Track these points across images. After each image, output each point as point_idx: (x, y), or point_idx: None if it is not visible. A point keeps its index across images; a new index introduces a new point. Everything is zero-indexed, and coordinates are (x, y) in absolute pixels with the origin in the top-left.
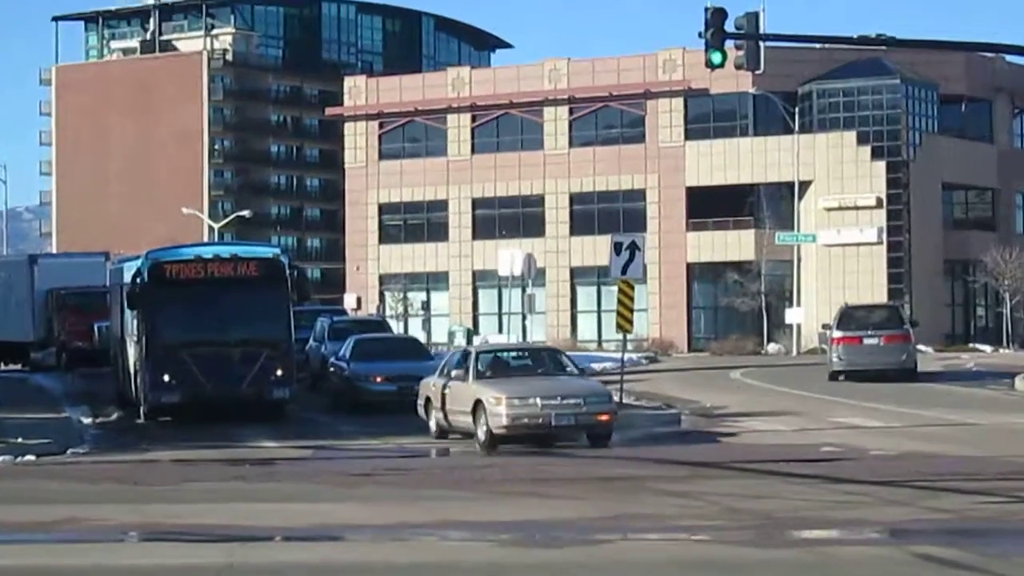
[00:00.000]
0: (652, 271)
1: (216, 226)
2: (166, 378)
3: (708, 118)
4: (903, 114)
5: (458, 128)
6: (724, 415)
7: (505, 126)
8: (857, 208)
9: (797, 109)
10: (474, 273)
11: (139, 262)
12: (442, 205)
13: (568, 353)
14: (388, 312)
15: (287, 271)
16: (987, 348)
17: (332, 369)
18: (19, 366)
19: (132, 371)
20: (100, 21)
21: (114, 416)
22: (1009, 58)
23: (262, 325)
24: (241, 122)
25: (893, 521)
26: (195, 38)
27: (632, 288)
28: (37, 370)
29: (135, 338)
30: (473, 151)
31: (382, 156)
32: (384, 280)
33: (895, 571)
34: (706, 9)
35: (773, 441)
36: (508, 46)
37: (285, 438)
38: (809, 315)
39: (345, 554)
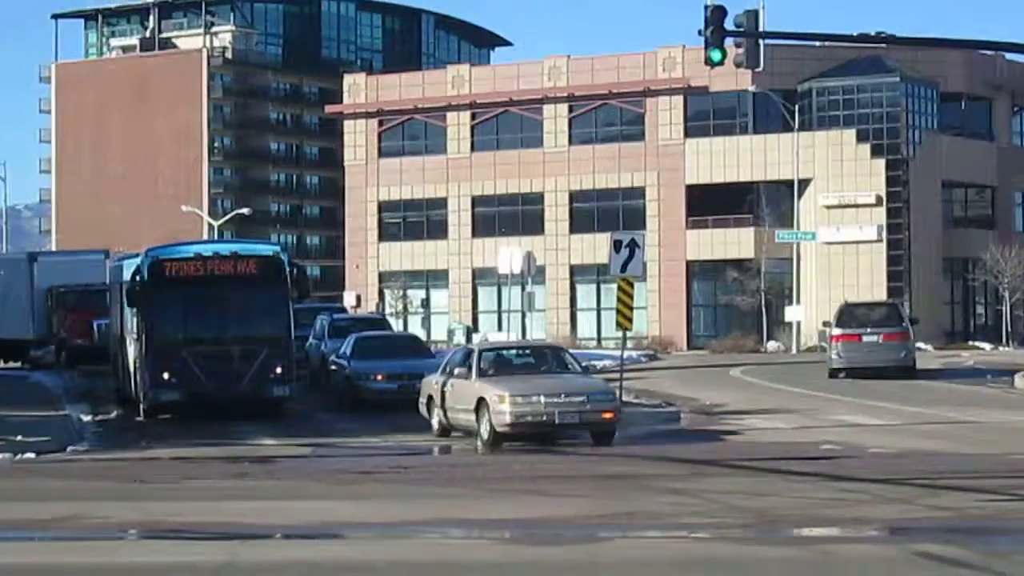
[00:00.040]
0: (652, 269)
1: (216, 224)
2: (166, 376)
3: (708, 116)
4: (903, 112)
5: (458, 126)
6: (724, 413)
7: (505, 124)
8: (857, 206)
9: (797, 107)
10: (473, 271)
11: (139, 260)
12: (442, 203)
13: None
14: (387, 310)
15: (287, 269)
16: (987, 346)
17: (333, 367)
18: (19, 364)
19: (132, 369)
20: (100, 19)
21: (114, 414)
22: (1009, 56)
23: (262, 323)
24: (241, 120)
25: (893, 519)
26: (195, 36)
27: (632, 286)
28: (37, 368)
29: (135, 336)
30: (473, 149)
31: (382, 154)
32: (384, 278)
33: (895, 569)
34: (706, 7)
35: (773, 439)
36: (508, 44)
37: (285, 436)
38: (809, 313)
39: (345, 552)
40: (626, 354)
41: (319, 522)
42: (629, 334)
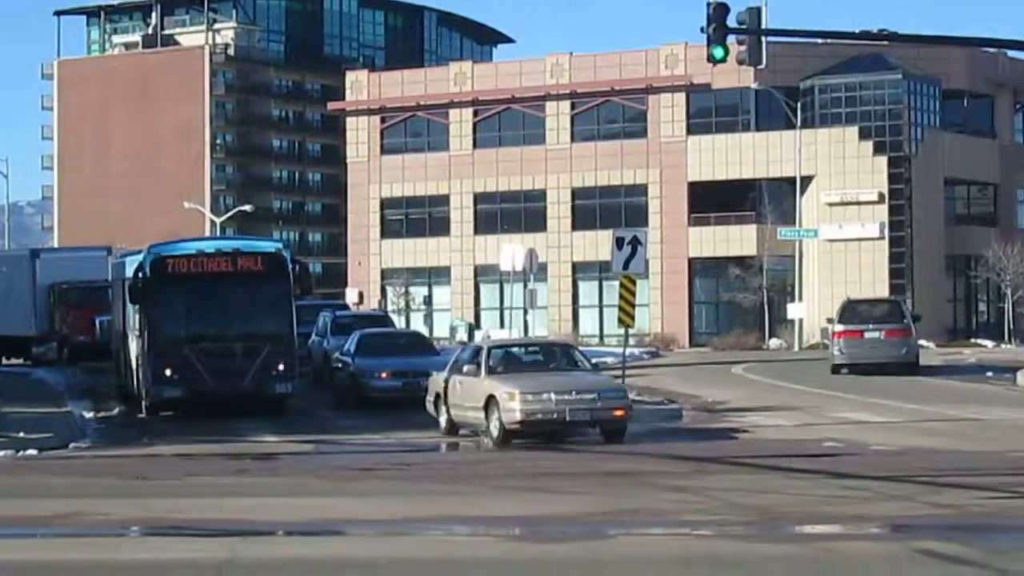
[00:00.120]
0: (654, 266)
1: (218, 220)
2: (168, 372)
3: (710, 113)
4: (905, 109)
5: (460, 123)
6: (726, 410)
7: (507, 121)
8: (859, 203)
9: (799, 104)
10: (476, 268)
11: (141, 256)
12: (444, 200)
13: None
14: (390, 307)
15: (289, 265)
16: (989, 343)
17: (337, 365)
18: (21, 360)
19: (134, 365)
20: (102, 15)
21: (116, 411)
22: (1011, 54)
23: (264, 320)
24: (243, 117)
25: (894, 516)
26: (197, 32)
27: (634, 283)
28: (39, 364)
29: (137, 332)
30: (475, 146)
31: (384, 151)
32: (386, 275)
33: (896, 566)
34: (708, 4)
35: (775, 436)
36: (510, 41)
37: (287, 433)
38: (811, 310)
39: (347, 549)
40: (628, 351)
41: (321, 519)
42: (631, 331)
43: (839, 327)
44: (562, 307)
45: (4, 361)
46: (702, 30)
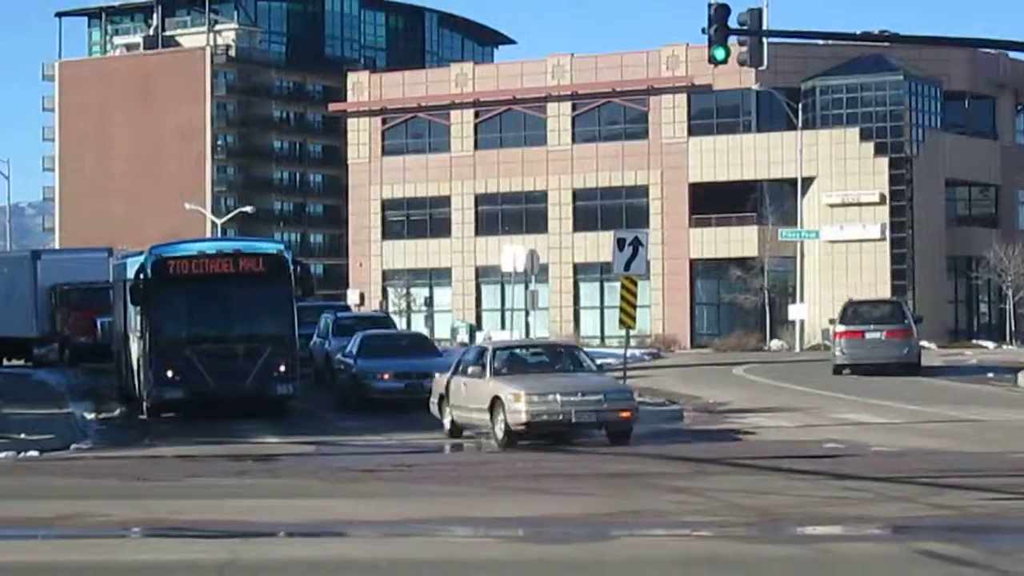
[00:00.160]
0: (655, 267)
1: (219, 222)
2: (169, 374)
3: (711, 114)
4: (906, 110)
5: (461, 124)
6: (727, 411)
7: (508, 122)
8: (860, 204)
9: (800, 105)
10: (477, 269)
11: (142, 257)
12: (445, 201)
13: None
14: (391, 308)
15: (290, 267)
16: (990, 344)
17: (340, 366)
18: (22, 362)
19: (135, 367)
20: (103, 16)
21: (117, 412)
22: (1012, 55)
23: (265, 321)
24: (244, 118)
25: (895, 517)
26: (198, 34)
27: (635, 284)
28: (40, 366)
29: (138, 334)
30: (476, 147)
31: (385, 152)
32: (387, 276)
33: (898, 567)
34: (709, 5)
35: (776, 437)
36: (511, 42)
37: (288, 434)
38: (812, 311)
39: (349, 550)
40: (629, 352)
41: (322, 520)
42: (632, 332)
43: (841, 328)
44: (563, 308)
45: (5, 362)
46: (703, 31)
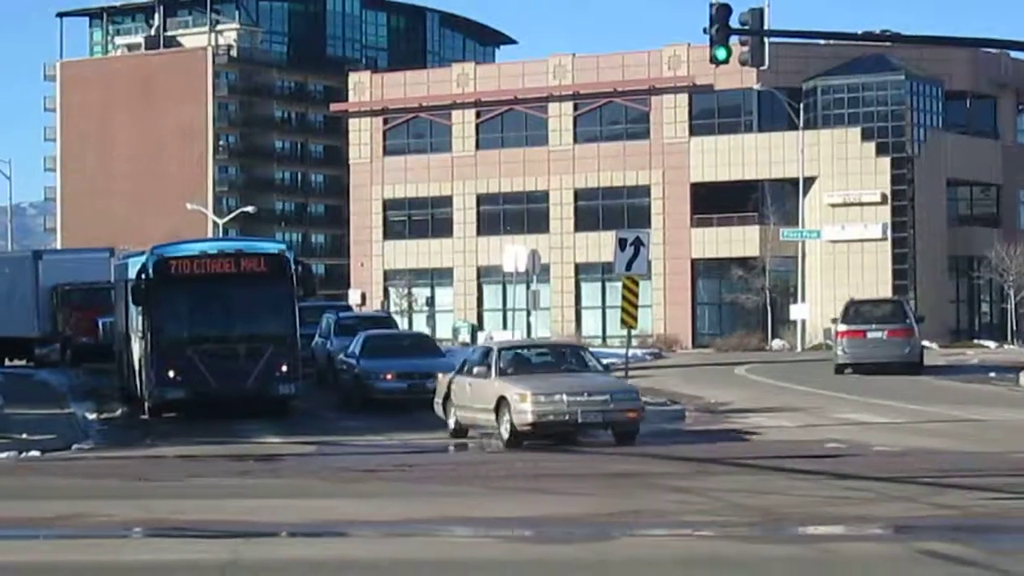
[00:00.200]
0: (656, 267)
1: (220, 222)
2: (171, 374)
3: (712, 114)
4: (908, 110)
5: (462, 124)
6: (729, 411)
7: (510, 122)
8: (862, 204)
9: (802, 105)
10: (478, 269)
11: (144, 258)
12: (446, 201)
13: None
14: (392, 308)
15: (292, 267)
16: (991, 344)
17: (343, 366)
18: (24, 362)
19: (137, 367)
20: (104, 17)
21: (118, 412)
22: (1014, 54)
23: (267, 321)
24: (246, 118)
25: (897, 517)
26: (200, 34)
27: (636, 284)
28: (42, 366)
29: (140, 334)
30: (478, 147)
31: (387, 152)
32: (388, 276)
33: (899, 567)
34: (711, 5)
35: (778, 437)
36: (513, 42)
37: (290, 434)
38: (813, 311)
39: (350, 550)
40: (631, 352)
41: (323, 520)
42: (634, 332)
43: (843, 327)
44: (565, 308)
45: (7, 362)
46: (705, 31)
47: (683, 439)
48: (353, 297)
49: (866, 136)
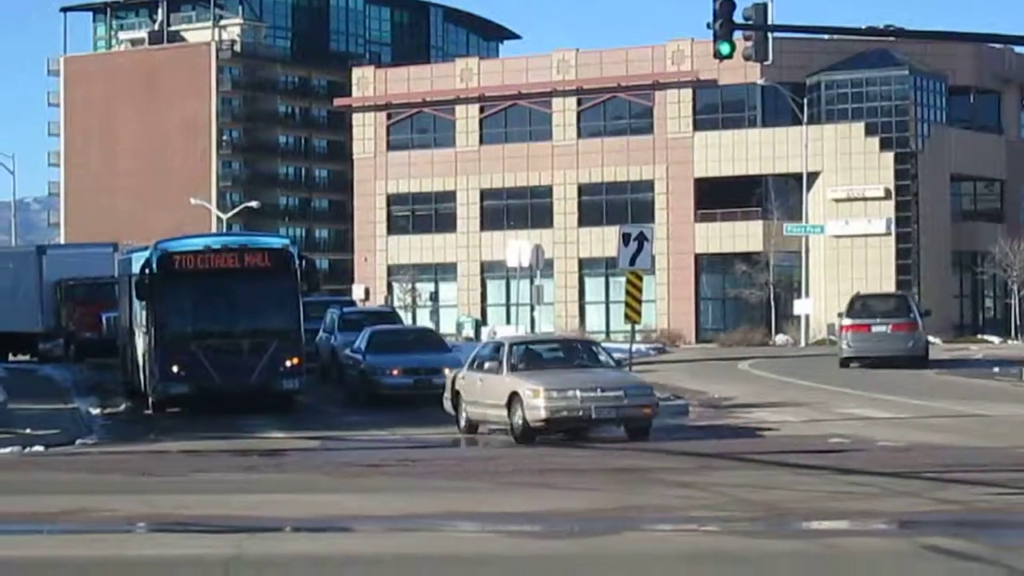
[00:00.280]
0: (660, 262)
1: (224, 217)
2: (175, 369)
3: (716, 109)
4: (912, 105)
5: (466, 119)
6: (732, 406)
7: (513, 117)
8: (865, 199)
9: (805, 100)
10: (482, 264)
11: (148, 253)
12: (450, 196)
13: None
14: (396, 303)
15: (296, 261)
16: (995, 339)
17: (348, 362)
18: (28, 357)
19: (140, 362)
20: (108, 12)
21: (122, 407)
22: (1018, 49)
23: (271, 316)
24: (249, 113)
25: (901, 512)
26: (203, 29)
27: (640, 279)
28: (45, 361)
29: (144, 329)
30: (481, 142)
31: (390, 147)
32: (392, 271)
33: (903, 562)
34: (714, 0)
35: (782, 432)
36: (516, 37)
37: (294, 429)
38: (817, 306)
39: (354, 545)
40: (635, 347)
41: (327, 515)
42: (638, 327)
43: (847, 321)
44: (569, 303)
45: (11, 357)
46: (708, 26)
47: (687, 434)
48: (357, 292)
49: (870, 131)
